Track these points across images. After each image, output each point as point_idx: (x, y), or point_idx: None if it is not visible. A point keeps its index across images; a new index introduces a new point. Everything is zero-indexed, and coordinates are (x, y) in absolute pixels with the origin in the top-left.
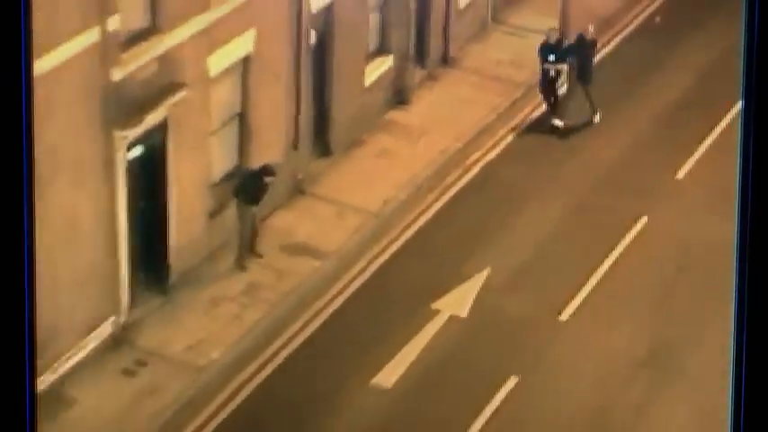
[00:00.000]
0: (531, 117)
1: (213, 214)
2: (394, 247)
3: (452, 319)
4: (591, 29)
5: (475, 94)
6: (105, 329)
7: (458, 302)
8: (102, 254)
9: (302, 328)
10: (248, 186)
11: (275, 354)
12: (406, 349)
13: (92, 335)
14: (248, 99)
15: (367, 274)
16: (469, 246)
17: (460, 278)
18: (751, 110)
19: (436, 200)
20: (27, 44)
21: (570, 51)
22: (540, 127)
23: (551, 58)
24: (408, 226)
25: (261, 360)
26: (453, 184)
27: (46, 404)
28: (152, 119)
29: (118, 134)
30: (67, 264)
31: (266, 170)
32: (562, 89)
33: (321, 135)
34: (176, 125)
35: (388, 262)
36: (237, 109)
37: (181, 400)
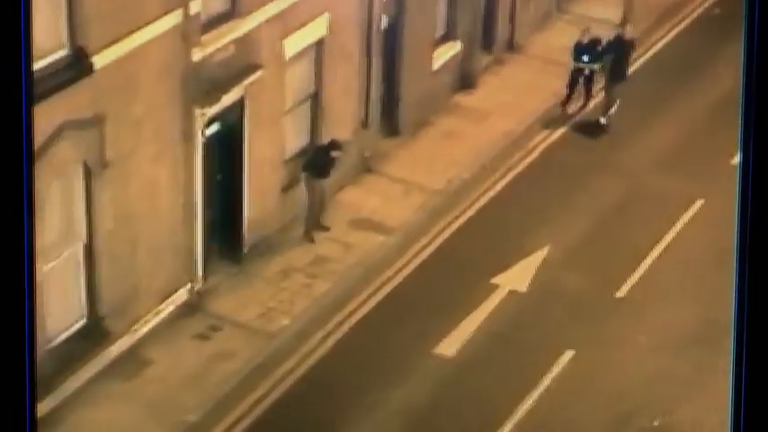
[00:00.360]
0: (593, 102)
1: (285, 189)
2: (456, 225)
3: (512, 293)
4: (629, 28)
5: (539, 79)
6: (181, 296)
7: (517, 278)
8: (179, 224)
9: (367, 299)
10: (317, 160)
11: (342, 322)
12: (466, 321)
13: (168, 300)
14: (321, 80)
15: (430, 250)
16: (530, 224)
17: (521, 254)
18: (751, 110)
19: (499, 179)
20: (27, 43)
21: (607, 51)
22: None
23: (585, 58)
24: (471, 204)
25: (328, 328)
26: (516, 164)
27: (125, 363)
28: (229, 98)
29: (197, 111)
30: (146, 232)
31: (334, 145)
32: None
33: (390, 116)
34: (252, 104)
35: (450, 238)
36: (311, 89)
37: (252, 364)
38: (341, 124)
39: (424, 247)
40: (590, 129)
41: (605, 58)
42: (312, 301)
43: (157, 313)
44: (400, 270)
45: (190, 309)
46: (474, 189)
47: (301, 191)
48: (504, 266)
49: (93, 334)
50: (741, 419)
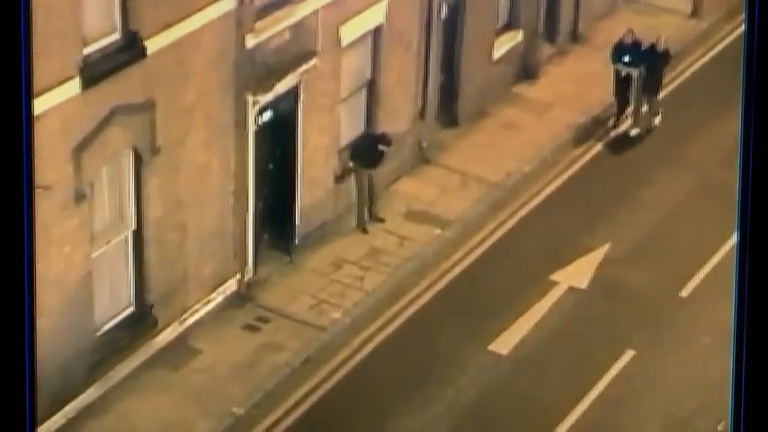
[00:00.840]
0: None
1: (339, 179)
2: (515, 218)
3: (571, 290)
4: (663, 39)
5: (603, 70)
6: (231, 286)
7: (577, 274)
8: (229, 213)
9: (421, 294)
10: (364, 151)
11: (395, 316)
12: (523, 318)
13: (218, 290)
14: (378, 68)
15: (488, 244)
16: (591, 219)
17: (581, 251)
18: (751, 110)
19: (560, 173)
20: (27, 40)
21: (643, 58)
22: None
23: (626, 59)
24: (530, 198)
25: (380, 322)
26: (578, 158)
27: (173, 352)
28: (283, 85)
29: (250, 98)
30: (196, 220)
31: (383, 139)
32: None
33: (448, 106)
34: (307, 92)
35: (509, 232)
36: (367, 77)
37: (301, 357)
38: (397, 114)
39: (482, 241)
40: (620, 143)
41: (641, 66)
42: (364, 294)
43: (206, 303)
44: (456, 264)
45: (239, 299)
46: (534, 182)
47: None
48: (563, 263)
49: (142, 322)
50: (741, 419)
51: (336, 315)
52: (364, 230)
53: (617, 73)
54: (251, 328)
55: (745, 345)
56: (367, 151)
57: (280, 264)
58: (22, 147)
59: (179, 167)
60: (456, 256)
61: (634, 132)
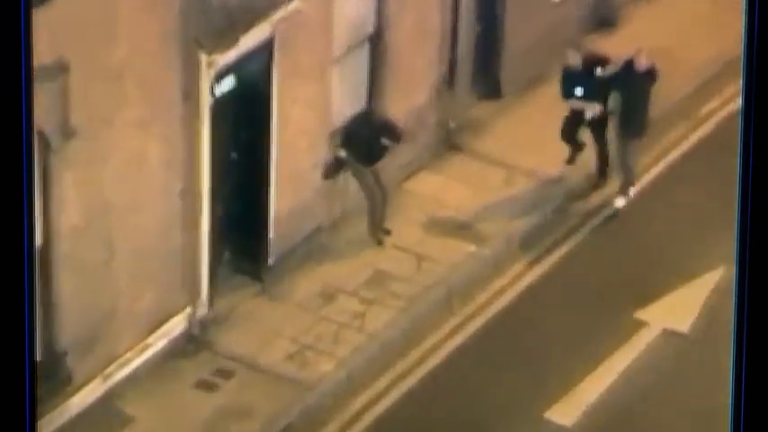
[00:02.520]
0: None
1: (330, 173)
2: (584, 231)
3: (666, 334)
4: (644, 54)
5: (712, 12)
6: (176, 326)
7: (675, 312)
8: (176, 222)
9: (447, 338)
10: (360, 139)
11: (409, 371)
12: (596, 373)
13: (159, 332)
14: (385, 16)
15: (543, 267)
16: (696, 235)
17: (681, 278)
18: (751, 110)
19: (651, 165)
20: (27, 42)
21: (613, 83)
22: None
23: (578, 92)
24: (606, 202)
25: (388, 378)
26: (676, 143)
27: (94, 420)
28: (251, 39)
29: (203, 58)
30: (128, 233)
31: (388, 130)
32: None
33: (487, 69)
34: (285, 48)
35: (574, 251)
36: (369, 29)
37: (277, 426)
38: (413, 80)
39: (534, 263)
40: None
41: (611, 95)
42: (366, 337)
43: (142, 350)
44: (497, 296)
45: (189, 344)
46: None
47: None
48: (654, 295)
49: (50, 377)
50: (741, 419)
51: (327, 367)
52: (379, 242)
53: (575, 116)
54: (206, 386)
55: (746, 344)
56: (364, 141)
57: (247, 294)
58: (23, 146)
59: (104, 157)
60: (497, 284)
61: (619, 203)
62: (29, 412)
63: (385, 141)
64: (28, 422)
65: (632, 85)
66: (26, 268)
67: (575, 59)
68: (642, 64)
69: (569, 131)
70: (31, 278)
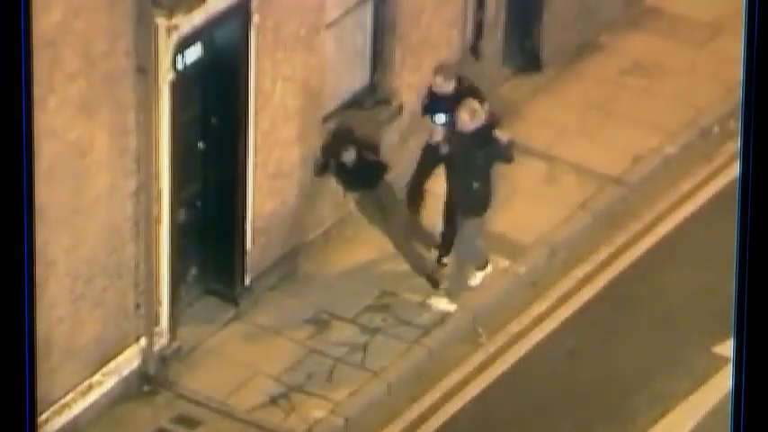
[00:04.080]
0: None
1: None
2: (647, 242)
3: None
4: (466, 111)
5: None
6: (130, 361)
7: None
8: (127, 230)
9: (472, 377)
10: (344, 161)
11: (422, 419)
12: (667, 420)
13: (106, 368)
14: None
15: (596, 288)
16: None
17: None
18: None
19: (732, 161)
20: (27, 42)
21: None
22: None
23: (440, 118)
24: (679, 203)
25: (397, 428)
26: None
27: None
28: None
29: (162, 22)
30: (70, 244)
31: (369, 160)
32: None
33: (523, 35)
34: (266, 10)
35: (635, 268)
36: None
37: None
38: (429, 49)
39: (585, 283)
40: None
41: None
42: (369, 375)
43: (85, 392)
44: (537, 323)
45: (145, 385)
46: (685, 176)
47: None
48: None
49: None
50: (741, 419)
51: (319, 414)
52: (435, 283)
53: (429, 150)
54: None
55: (746, 344)
56: (350, 165)
57: (218, 321)
58: (22, 144)
59: (36, 148)
60: (535, 310)
61: (473, 281)
62: (29, 412)
63: (368, 155)
64: (28, 422)
65: (462, 149)
66: (26, 268)
67: (440, 82)
68: (466, 122)
69: (422, 172)
70: (31, 278)
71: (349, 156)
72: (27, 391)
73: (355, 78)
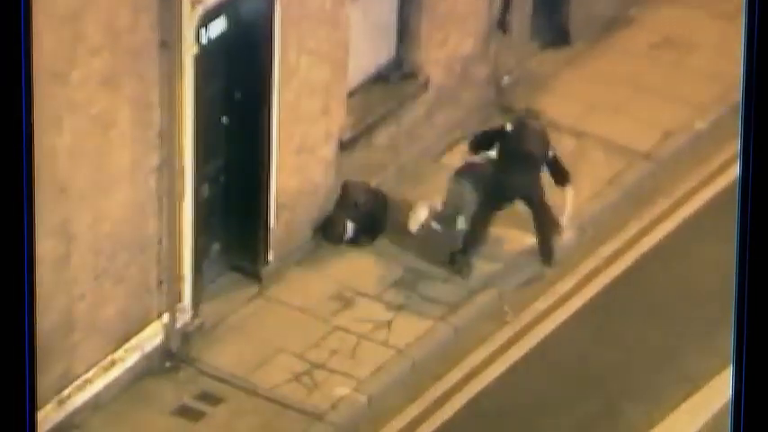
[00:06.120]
0: None
1: (349, 143)
2: (677, 218)
3: None
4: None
5: None
6: (152, 337)
7: None
8: (150, 206)
9: (498, 355)
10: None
11: (447, 397)
12: (692, 401)
13: (128, 344)
14: None
15: (624, 264)
16: None
17: None
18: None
19: None
20: (27, 41)
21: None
22: None
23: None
24: (709, 179)
25: (420, 406)
26: None
27: None
28: None
29: None
30: (91, 220)
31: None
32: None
33: (551, 8)
34: None
35: (661, 243)
36: None
37: None
38: (456, 22)
39: (614, 259)
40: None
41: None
42: (394, 353)
43: (108, 367)
44: (563, 301)
45: (167, 361)
46: (716, 150)
47: (381, 146)
48: None
49: None
50: (741, 419)
51: (342, 391)
52: (462, 272)
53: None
54: (188, 414)
55: (746, 344)
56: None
57: (241, 298)
58: (23, 143)
59: (58, 123)
60: (561, 287)
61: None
62: (29, 412)
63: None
64: (28, 422)
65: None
66: (26, 268)
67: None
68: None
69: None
70: (31, 278)
71: (348, 231)
72: (27, 389)
73: (381, 52)
